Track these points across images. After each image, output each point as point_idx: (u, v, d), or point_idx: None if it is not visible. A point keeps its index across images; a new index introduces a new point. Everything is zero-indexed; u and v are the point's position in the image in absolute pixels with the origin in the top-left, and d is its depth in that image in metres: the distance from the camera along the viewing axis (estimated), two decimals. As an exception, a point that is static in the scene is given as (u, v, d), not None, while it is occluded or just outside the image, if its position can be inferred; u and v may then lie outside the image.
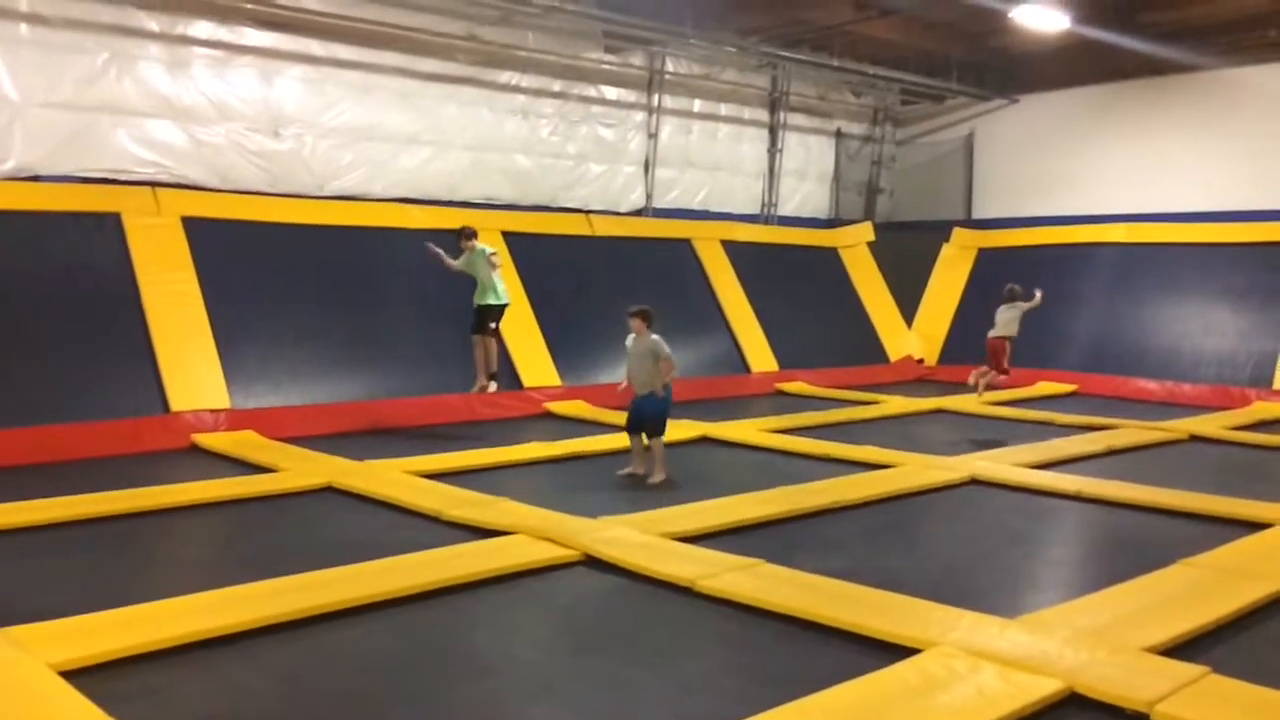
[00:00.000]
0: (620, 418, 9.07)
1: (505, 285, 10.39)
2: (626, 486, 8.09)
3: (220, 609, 4.90)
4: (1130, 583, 5.50)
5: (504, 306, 10.32)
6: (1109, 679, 4.16)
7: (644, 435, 8.26)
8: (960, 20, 14.83)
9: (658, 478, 8.09)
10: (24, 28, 10.50)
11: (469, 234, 10.38)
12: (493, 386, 10.49)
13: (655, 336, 8.17)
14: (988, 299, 16.30)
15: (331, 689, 4.26)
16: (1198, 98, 15.71)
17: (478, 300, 10.25)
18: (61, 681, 4.03)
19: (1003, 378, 12.01)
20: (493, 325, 10.25)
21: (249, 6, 11.70)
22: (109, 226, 10.43)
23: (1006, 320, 11.71)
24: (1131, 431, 10.76)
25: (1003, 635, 4.62)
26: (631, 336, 8.32)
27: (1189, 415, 12.02)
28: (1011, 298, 11.78)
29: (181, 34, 11.47)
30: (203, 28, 11.59)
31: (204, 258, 10.67)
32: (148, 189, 10.92)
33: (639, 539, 6.19)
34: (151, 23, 11.26)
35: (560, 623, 5.18)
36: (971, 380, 12.01)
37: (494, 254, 10.21)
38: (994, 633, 4.65)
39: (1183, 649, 4.63)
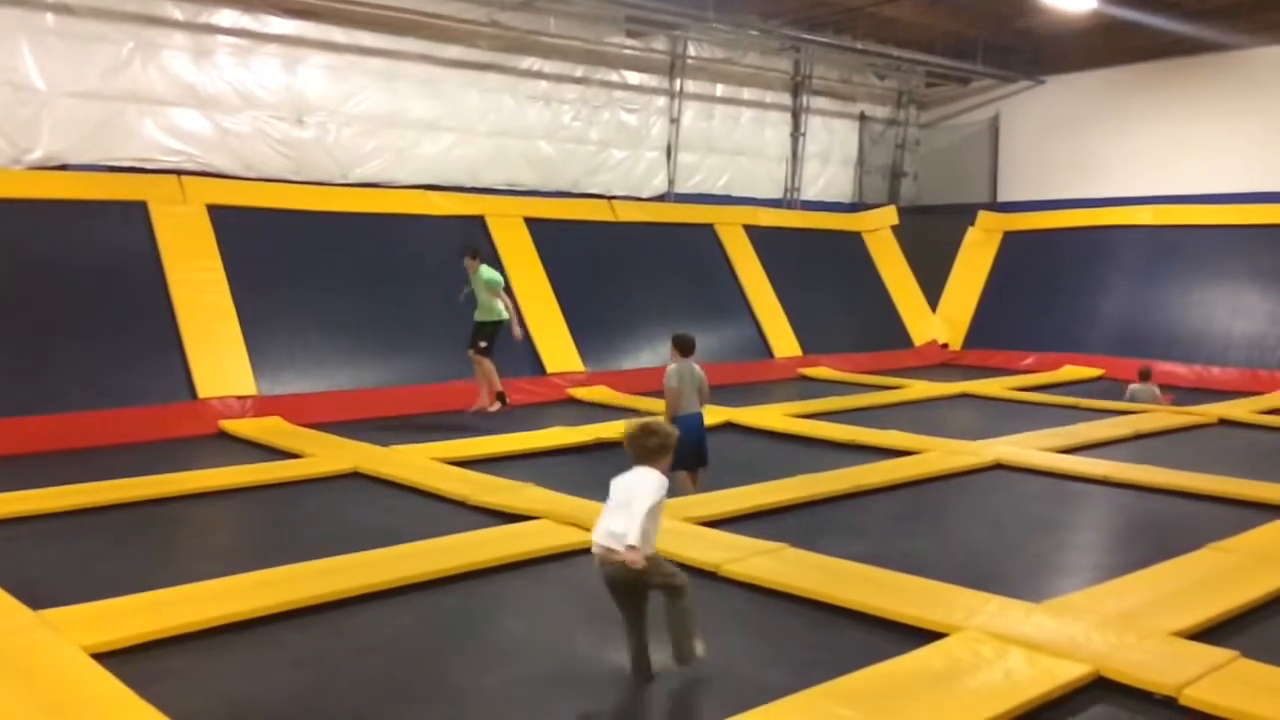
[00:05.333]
0: (642, 403, 9.00)
1: (504, 305, 9.95)
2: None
3: (248, 593, 4.95)
4: (1158, 567, 5.46)
5: (497, 323, 9.90)
6: (1137, 663, 4.14)
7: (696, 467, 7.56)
8: (986, 1, 14.68)
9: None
10: (50, 18, 10.58)
11: (471, 252, 10.08)
12: (496, 406, 10.03)
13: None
14: (1013, 283, 16.34)
15: (357, 673, 4.29)
16: (1227, 77, 15.50)
17: (476, 316, 9.99)
18: (93, 663, 4.09)
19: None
20: (483, 344, 9.86)
21: (272, -6, 11.78)
22: (136, 215, 10.52)
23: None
24: (1159, 416, 10.66)
25: (1029, 620, 4.60)
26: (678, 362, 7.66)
27: (1218, 399, 11.90)
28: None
29: (206, 22, 11.53)
30: (226, 16, 11.65)
31: (230, 245, 10.75)
32: (174, 177, 11.01)
33: (664, 524, 6.18)
34: (176, 11, 11.33)
35: (585, 608, 5.18)
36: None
37: (496, 291, 9.87)
38: (1020, 617, 4.63)
39: (1211, 633, 4.60)
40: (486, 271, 9.96)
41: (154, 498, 7.01)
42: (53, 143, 10.65)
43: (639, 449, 4.10)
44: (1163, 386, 12.29)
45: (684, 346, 7.71)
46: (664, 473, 4.10)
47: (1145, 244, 15.49)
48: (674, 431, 4.17)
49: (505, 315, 9.94)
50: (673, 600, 4.05)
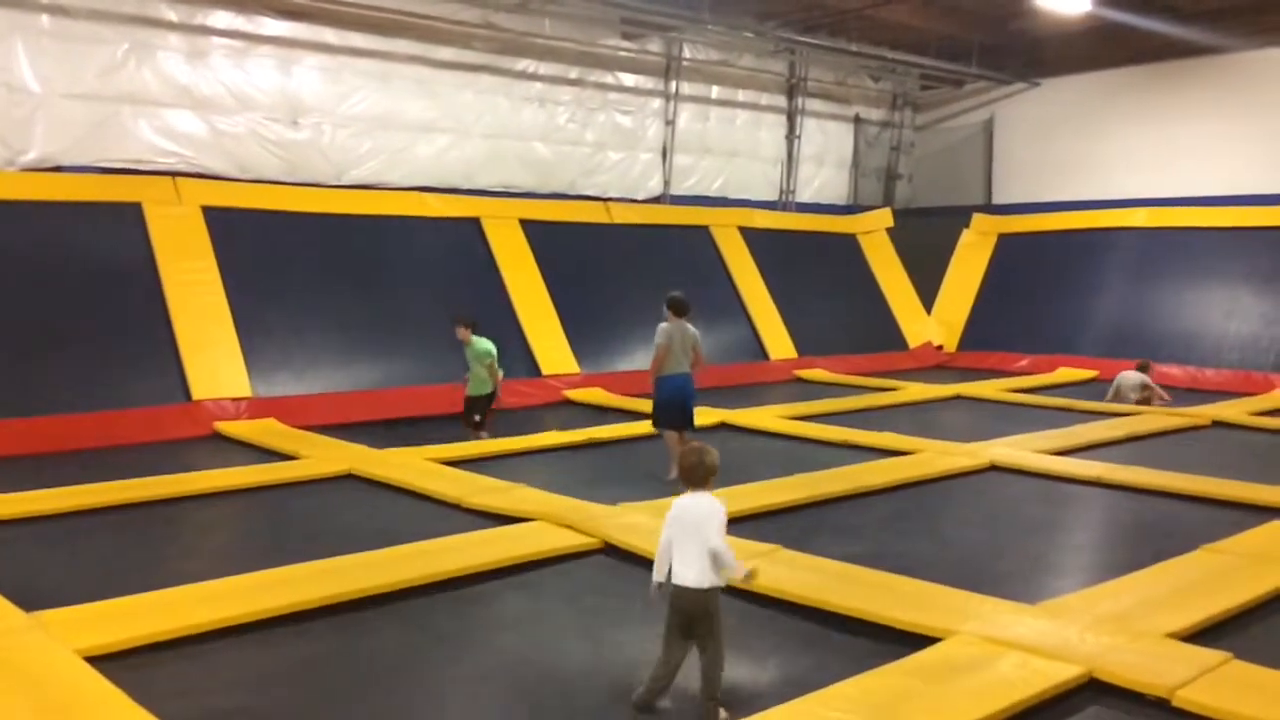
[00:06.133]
0: (638, 404, 9.00)
1: (494, 378, 9.12)
2: (645, 473, 8.06)
3: (241, 595, 4.95)
4: (1152, 568, 5.48)
5: (491, 395, 9.17)
6: (1130, 665, 4.15)
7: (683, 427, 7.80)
8: (980, 3, 14.71)
9: None
10: (45, 19, 10.57)
11: (464, 321, 9.15)
12: (483, 434, 9.30)
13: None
14: (1008, 285, 16.36)
15: (351, 674, 4.29)
16: (1221, 80, 15.54)
17: (469, 390, 9.21)
18: (86, 666, 4.08)
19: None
20: (477, 419, 9.17)
21: (266, -4, 11.77)
22: (130, 216, 10.50)
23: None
24: (1153, 417, 10.68)
25: (1023, 621, 4.61)
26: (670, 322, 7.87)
27: (1212, 401, 11.93)
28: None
29: (200, 24, 11.52)
30: (221, 17, 11.64)
31: (224, 247, 10.73)
32: (168, 179, 10.99)
33: (657, 526, 6.16)
34: (171, 13, 11.32)
35: (580, 609, 5.19)
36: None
37: (490, 365, 9.03)
38: (1014, 619, 4.64)
39: (1205, 635, 4.61)
40: (481, 343, 9.06)
41: (148, 499, 7.00)
42: (47, 144, 10.63)
43: (698, 476, 4.14)
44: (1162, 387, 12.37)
45: (677, 307, 7.76)
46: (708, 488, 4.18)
47: (1139, 246, 15.52)
48: (716, 455, 4.22)
49: (494, 388, 9.18)
50: (710, 656, 4.01)
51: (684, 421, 7.78)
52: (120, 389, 9.48)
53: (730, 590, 5.24)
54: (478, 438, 9.17)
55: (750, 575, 4.06)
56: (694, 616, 4.01)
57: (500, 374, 9.15)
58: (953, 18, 15.41)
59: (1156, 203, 15.80)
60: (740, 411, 10.60)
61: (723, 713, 3.95)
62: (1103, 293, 15.45)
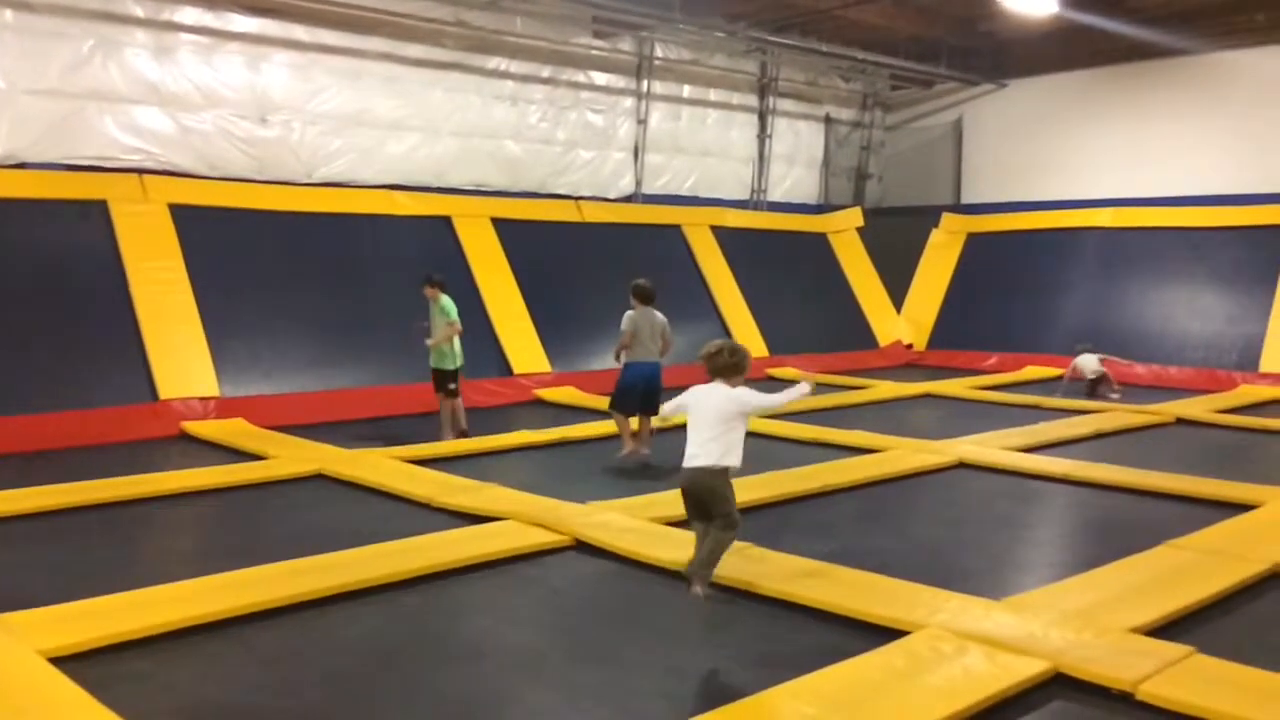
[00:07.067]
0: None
1: (460, 349, 9.42)
2: (616, 472, 8.09)
3: (209, 595, 4.91)
4: (1116, 564, 5.55)
5: (458, 370, 9.40)
6: (1094, 659, 4.20)
7: (642, 414, 7.99)
8: (949, 5, 14.82)
9: (649, 448, 7.99)
10: (9, 14, 10.43)
11: (434, 281, 9.40)
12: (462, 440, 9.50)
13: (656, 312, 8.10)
14: (976, 284, 16.51)
15: (321, 675, 4.27)
16: (1185, 82, 15.74)
17: (433, 363, 9.42)
18: (50, 667, 4.04)
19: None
20: (451, 386, 9.34)
21: (235, -9, 11.68)
22: (96, 214, 10.39)
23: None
24: (1118, 415, 10.81)
25: (989, 617, 4.66)
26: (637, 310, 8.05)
27: (1176, 398, 12.08)
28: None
29: (167, 20, 11.41)
30: (189, 13, 11.53)
31: (192, 245, 10.64)
32: (135, 176, 10.89)
33: (628, 523, 6.22)
34: (137, 8, 11.20)
35: (551, 607, 5.20)
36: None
37: (453, 323, 9.29)
38: (981, 614, 4.69)
39: (1168, 629, 4.67)
40: (446, 300, 9.29)
41: (115, 500, 6.94)
42: (11, 141, 10.49)
43: (715, 366, 4.67)
44: (1122, 384, 12.54)
45: (643, 294, 7.81)
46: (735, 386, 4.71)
47: (1105, 246, 15.71)
48: (748, 353, 4.77)
49: (460, 362, 9.38)
50: (722, 531, 4.62)
51: (643, 408, 7.81)
52: (86, 389, 9.38)
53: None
54: (458, 432, 9.27)
55: (809, 388, 4.73)
56: (700, 496, 4.55)
57: (459, 328, 9.34)
58: (922, 19, 15.52)
59: (1122, 203, 15.99)
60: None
61: (699, 588, 4.35)
62: (1069, 292, 15.62)
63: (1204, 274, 14.62)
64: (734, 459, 4.49)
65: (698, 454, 4.46)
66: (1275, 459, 9.23)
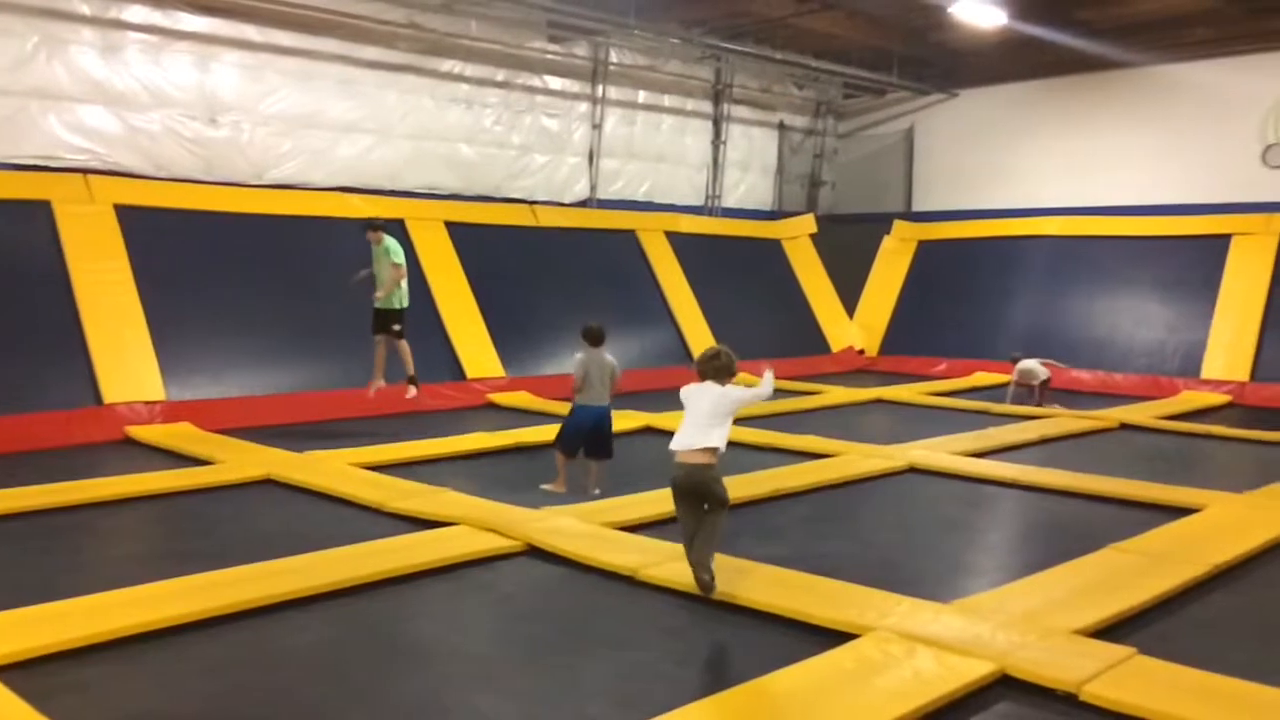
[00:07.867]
0: (563, 409, 8.96)
1: (406, 289, 9.79)
2: (569, 477, 8.02)
3: (153, 603, 4.82)
4: (1061, 567, 5.63)
5: (403, 311, 9.73)
6: (1039, 661, 4.26)
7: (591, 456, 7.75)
8: (901, 15, 14.98)
9: (600, 488, 7.85)
10: (-51, 9, 10.21)
11: (376, 225, 9.86)
12: (412, 391, 9.94)
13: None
14: (927, 291, 16.71)
15: (268, 684, 4.21)
16: (1131, 94, 16.05)
17: (378, 303, 9.69)
18: (-11, 678, 3.95)
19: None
20: (396, 327, 9.67)
21: (184, -10, 11.50)
22: (39, 215, 10.18)
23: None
24: (1064, 420, 10.98)
25: (938, 620, 4.71)
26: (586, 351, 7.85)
27: (1121, 404, 12.30)
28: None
29: (115, 18, 11.21)
30: (136, 11, 11.34)
31: (138, 247, 10.47)
32: (79, 176, 10.69)
33: (581, 529, 6.21)
34: (84, 6, 11.00)
35: (503, 613, 5.18)
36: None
37: (398, 265, 9.62)
38: (929, 617, 4.74)
39: (1111, 631, 4.75)
40: (390, 241, 9.69)
41: (57, 506, 6.79)
42: (-49, 139, 10.27)
43: (714, 368, 5.24)
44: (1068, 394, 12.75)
45: (593, 336, 7.76)
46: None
47: (1052, 254, 15.98)
48: (734, 356, 5.31)
49: (405, 303, 9.75)
50: (716, 513, 5.05)
51: (591, 451, 7.77)
52: (27, 392, 9.18)
53: (654, 589, 5.29)
54: (407, 378, 9.76)
55: (771, 374, 5.22)
56: (688, 489, 5.03)
57: (404, 271, 9.65)
58: (875, 28, 15.67)
59: (1069, 212, 16.27)
60: (665, 415, 10.62)
61: (705, 575, 4.88)
62: (1017, 299, 15.87)
63: (1148, 282, 14.92)
64: (721, 444, 5.11)
65: (690, 442, 5.04)
66: (1216, 463, 9.45)
